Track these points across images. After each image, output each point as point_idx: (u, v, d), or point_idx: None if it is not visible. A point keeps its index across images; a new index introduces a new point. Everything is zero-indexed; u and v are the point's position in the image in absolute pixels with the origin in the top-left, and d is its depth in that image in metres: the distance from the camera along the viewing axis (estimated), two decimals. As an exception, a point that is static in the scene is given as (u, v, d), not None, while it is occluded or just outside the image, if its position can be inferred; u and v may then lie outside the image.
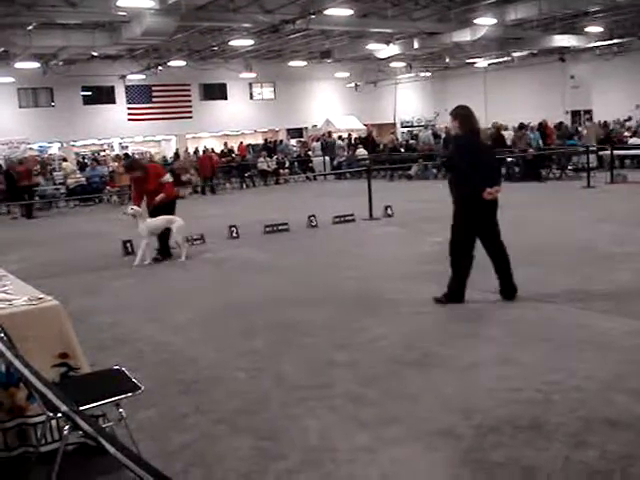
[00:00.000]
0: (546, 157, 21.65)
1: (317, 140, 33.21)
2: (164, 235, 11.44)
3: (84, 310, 8.16)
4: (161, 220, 11.24)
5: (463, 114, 7.54)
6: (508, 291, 7.49)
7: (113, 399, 3.84)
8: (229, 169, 29.25)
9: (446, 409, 4.71)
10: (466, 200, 7.36)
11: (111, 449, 2.22)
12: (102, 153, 34.16)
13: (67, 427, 3.49)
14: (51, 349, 4.22)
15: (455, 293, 7.52)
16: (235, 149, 33.65)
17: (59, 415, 3.29)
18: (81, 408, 3.38)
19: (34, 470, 4.12)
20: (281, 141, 36.21)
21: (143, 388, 3.94)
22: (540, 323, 6.62)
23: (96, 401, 3.74)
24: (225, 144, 33.62)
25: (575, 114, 35.64)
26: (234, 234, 13.50)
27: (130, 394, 3.89)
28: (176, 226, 11.27)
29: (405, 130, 41.40)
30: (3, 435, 4.05)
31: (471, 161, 7.32)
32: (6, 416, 4.07)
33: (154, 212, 11.34)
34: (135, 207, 11.04)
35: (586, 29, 29.38)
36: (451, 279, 7.54)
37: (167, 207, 11.49)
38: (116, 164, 26.31)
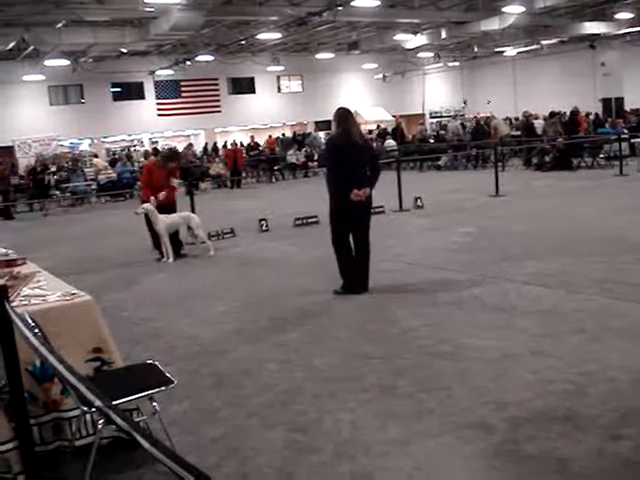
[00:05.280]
0: (577, 146, 21.38)
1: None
2: (174, 232, 11.35)
3: (117, 305, 8.26)
4: (178, 217, 11.25)
5: (339, 114, 7.84)
6: (359, 287, 7.88)
7: (147, 393, 3.86)
8: (257, 162, 29.30)
9: (479, 401, 4.68)
10: (333, 197, 7.74)
11: (145, 443, 2.23)
12: (132, 149, 34.32)
13: (101, 421, 3.52)
14: (85, 344, 4.26)
15: (348, 284, 7.90)
16: (260, 143, 33.61)
17: (93, 410, 3.33)
18: (115, 402, 3.41)
19: (69, 464, 4.17)
20: (309, 134, 36.17)
21: (176, 382, 3.97)
22: (572, 313, 6.54)
23: (130, 395, 3.76)
24: (252, 137, 33.54)
25: (606, 102, 35.14)
26: (264, 227, 13.54)
27: (163, 388, 3.91)
28: (194, 223, 11.33)
29: (434, 121, 41.18)
30: (39, 429, 4.09)
31: (339, 160, 7.61)
32: (41, 410, 4.11)
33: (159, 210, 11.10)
34: (146, 205, 10.90)
35: (616, 15, 28.99)
36: (339, 272, 7.96)
37: (169, 207, 11.36)
38: (144, 160, 26.44)
